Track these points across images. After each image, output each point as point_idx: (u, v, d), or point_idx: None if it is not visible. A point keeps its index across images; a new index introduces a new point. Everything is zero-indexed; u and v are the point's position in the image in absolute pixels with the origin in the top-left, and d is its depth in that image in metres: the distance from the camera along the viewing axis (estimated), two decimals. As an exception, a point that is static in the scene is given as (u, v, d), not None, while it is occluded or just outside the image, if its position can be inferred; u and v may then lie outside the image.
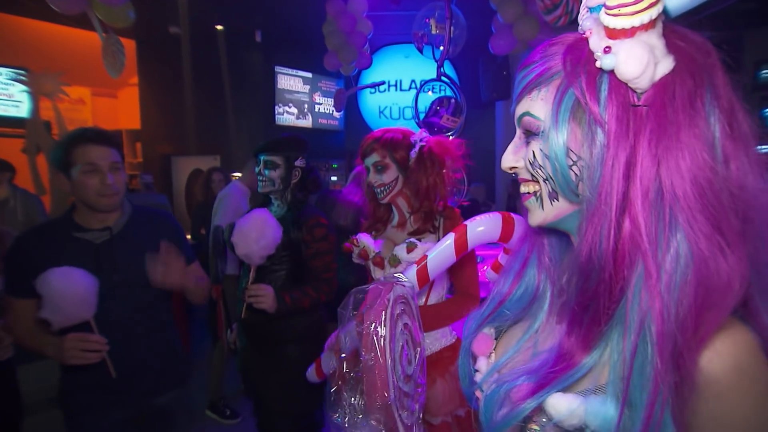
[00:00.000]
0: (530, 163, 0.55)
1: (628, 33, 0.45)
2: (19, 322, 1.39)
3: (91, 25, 3.32)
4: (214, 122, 6.08)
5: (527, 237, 0.65)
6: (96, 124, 5.86)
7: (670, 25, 0.48)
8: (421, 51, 3.92)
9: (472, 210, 3.19)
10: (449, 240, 1.27)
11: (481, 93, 5.77)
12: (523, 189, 0.58)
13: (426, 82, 3.70)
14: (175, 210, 5.19)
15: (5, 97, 5.14)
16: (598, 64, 0.47)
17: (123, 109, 7.88)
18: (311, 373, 1.52)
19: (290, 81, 6.49)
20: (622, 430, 0.46)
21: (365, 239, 1.54)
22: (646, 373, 0.44)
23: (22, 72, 5.00)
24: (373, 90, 6.79)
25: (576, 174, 0.51)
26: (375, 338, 0.77)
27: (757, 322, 0.47)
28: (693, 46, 0.47)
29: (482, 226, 1.27)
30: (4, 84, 5.11)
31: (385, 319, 0.79)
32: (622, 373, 0.46)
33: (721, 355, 0.44)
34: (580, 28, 0.52)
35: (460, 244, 1.27)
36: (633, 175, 0.46)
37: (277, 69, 6.31)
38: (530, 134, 0.55)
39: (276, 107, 6.34)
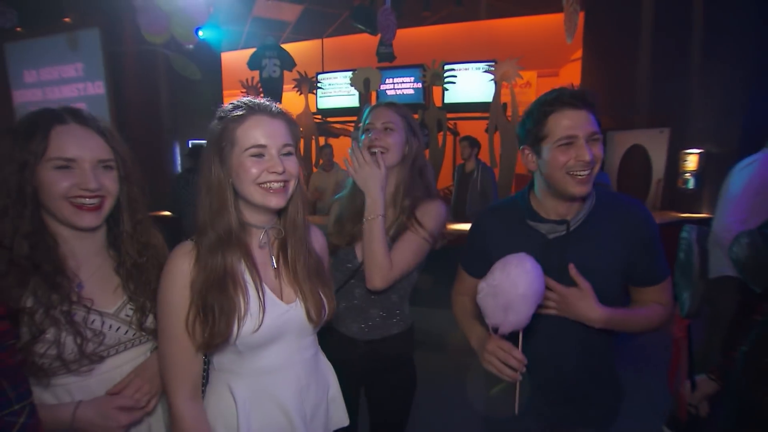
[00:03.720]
0: None
1: None
2: (459, 295, 1.36)
3: (542, 9, 3.36)
4: (670, 87, 5.00)
5: None
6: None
7: None
8: None
9: None
10: None
11: None
12: None
13: None
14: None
15: (481, 86, 6.23)
16: None
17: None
18: None
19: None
20: None
21: None
22: None
23: (491, 63, 5.93)
24: None
25: None
26: None
27: None
28: None
29: None
30: (481, 75, 6.20)
31: None
32: None
33: None
34: None
35: None
36: None
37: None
38: None
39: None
